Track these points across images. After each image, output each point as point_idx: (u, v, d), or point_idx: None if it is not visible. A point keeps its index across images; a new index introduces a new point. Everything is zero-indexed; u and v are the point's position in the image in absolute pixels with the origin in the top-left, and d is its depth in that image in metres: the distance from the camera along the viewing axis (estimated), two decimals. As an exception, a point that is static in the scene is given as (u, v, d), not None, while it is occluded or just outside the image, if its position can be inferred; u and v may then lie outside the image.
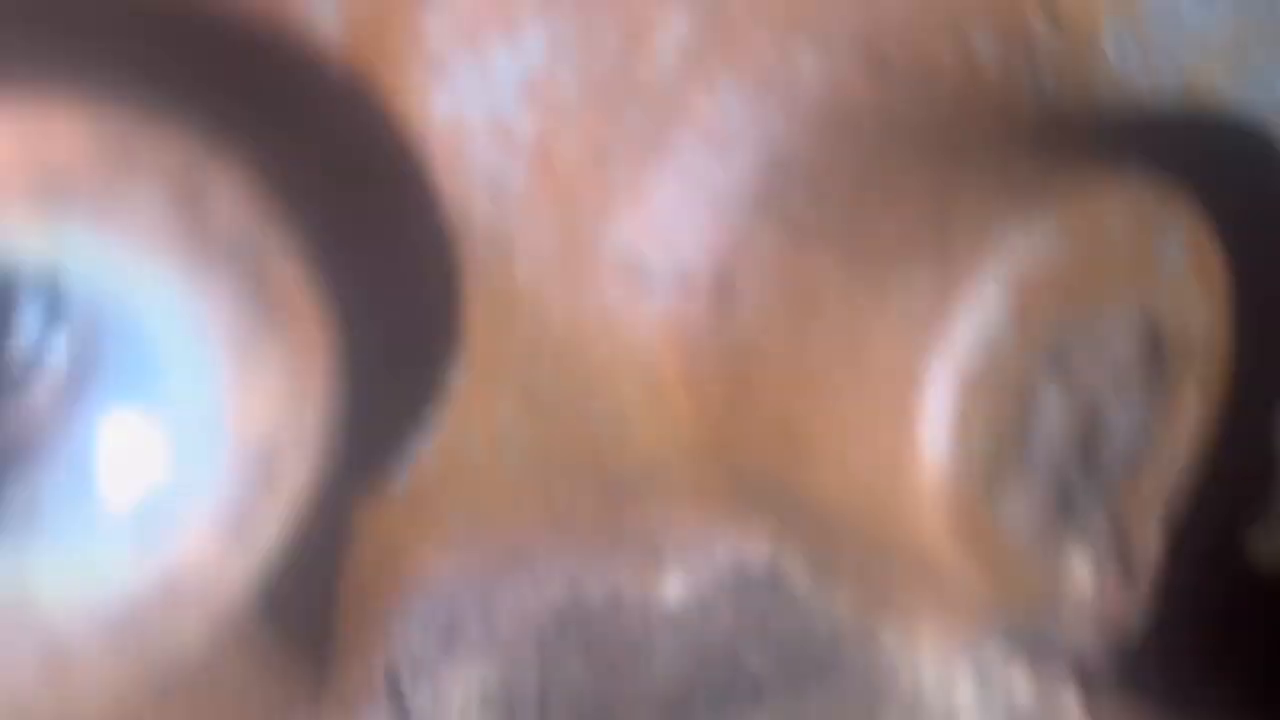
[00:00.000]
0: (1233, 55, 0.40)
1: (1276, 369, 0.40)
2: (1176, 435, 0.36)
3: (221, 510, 0.29)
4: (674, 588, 0.40)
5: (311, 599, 0.39)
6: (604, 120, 0.36)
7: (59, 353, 0.28)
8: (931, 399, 0.33)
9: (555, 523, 0.40)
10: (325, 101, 0.32)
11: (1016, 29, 0.37)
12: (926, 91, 0.37)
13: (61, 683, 0.27)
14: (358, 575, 0.41)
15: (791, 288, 0.36)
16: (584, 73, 0.36)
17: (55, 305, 0.28)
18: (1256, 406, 0.37)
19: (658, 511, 0.40)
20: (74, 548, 0.27)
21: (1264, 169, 0.41)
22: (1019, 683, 0.37)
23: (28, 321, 0.29)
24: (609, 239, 0.37)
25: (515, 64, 0.35)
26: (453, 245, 0.35)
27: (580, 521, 0.40)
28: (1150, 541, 0.37)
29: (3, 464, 0.29)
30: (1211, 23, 0.39)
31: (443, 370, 0.36)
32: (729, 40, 0.36)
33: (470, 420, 0.39)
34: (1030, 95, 0.37)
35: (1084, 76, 0.38)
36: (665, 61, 0.36)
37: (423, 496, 0.40)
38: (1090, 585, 0.36)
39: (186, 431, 0.28)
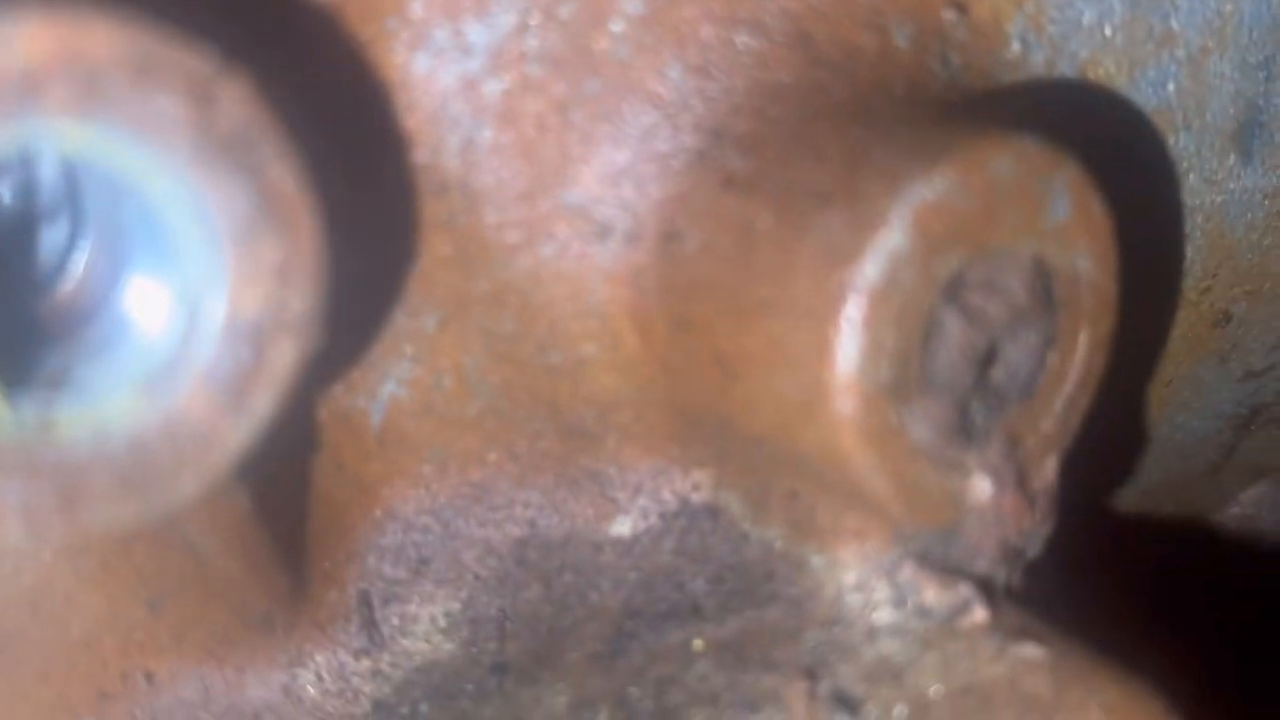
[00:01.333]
0: (1124, 52, 0.45)
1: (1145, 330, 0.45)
2: (1069, 372, 0.40)
3: (217, 377, 0.33)
4: (624, 523, 0.44)
5: (287, 511, 0.43)
6: (564, 86, 0.41)
7: (85, 237, 0.33)
8: (845, 323, 0.38)
9: (517, 463, 0.44)
10: (320, 45, 0.37)
11: (930, 21, 0.43)
12: (848, 71, 0.41)
13: (73, 512, 0.31)
14: (333, 507, 0.45)
15: (728, 233, 0.40)
16: (546, 44, 0.40)
17: (79, 197, 0.33)
18: (1126, 363, 0.42)
19: (611, 455, 0.44)
20: (90, 399, 0.32)
21: (1143, 145, 0.46)
22: (931, 600, 0.41)
23: (56, 215, 0.33)
24: (567, 193, 0.41)
25: (486, 34, 0.40)
26: (419, 181, 0.39)
27: (540, 463, 0.44)
28: (1047, 470, 0.41)
29: (39, 343, 0.33)
30: (1106, 21, 0.44)
31: (397, 292, 0.41)
32: (674, 21, 0.41)
33: (440, 363, 0.43)
34: (940, 76, 0.42)
35: (989, 63, 0.43)
36: (619, 36, 0.41)
37: (396, 434, 0.44)
38: (990, 503, 0.40)
39: (191, 304, 0.33)
